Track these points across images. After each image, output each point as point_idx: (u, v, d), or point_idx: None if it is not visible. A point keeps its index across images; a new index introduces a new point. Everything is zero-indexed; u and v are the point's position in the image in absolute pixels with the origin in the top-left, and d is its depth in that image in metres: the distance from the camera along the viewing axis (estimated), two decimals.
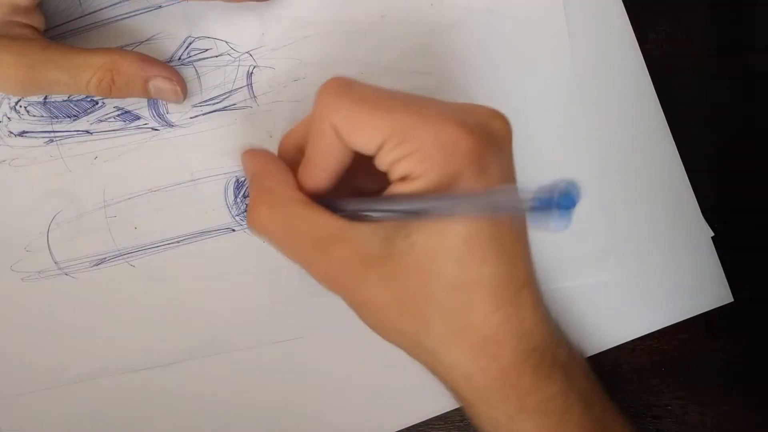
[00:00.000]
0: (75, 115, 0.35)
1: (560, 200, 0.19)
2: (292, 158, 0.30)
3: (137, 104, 0.35)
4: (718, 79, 0.37)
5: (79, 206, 0.35)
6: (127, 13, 0.34)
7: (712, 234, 0.36)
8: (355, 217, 0.27)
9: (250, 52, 0.35)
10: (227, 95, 0.35)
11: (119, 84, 0.31)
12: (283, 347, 0.35)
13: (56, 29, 0.34)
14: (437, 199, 0.24)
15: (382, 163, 0.26)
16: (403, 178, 0.25)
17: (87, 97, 0.35)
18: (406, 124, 0.25)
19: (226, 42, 0.35)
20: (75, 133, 0.35)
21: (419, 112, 0.25)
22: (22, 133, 0.34)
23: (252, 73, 0.35)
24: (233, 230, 0.35)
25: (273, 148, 0.34)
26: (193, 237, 0.35)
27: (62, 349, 0.35)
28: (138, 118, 0.35)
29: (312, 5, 0.35)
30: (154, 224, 0.35)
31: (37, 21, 0.31)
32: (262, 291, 0.35)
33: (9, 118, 0.34)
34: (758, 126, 0.37)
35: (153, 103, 0.35)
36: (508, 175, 0.27)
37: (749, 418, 0.36)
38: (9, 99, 0.34)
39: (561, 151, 0.36)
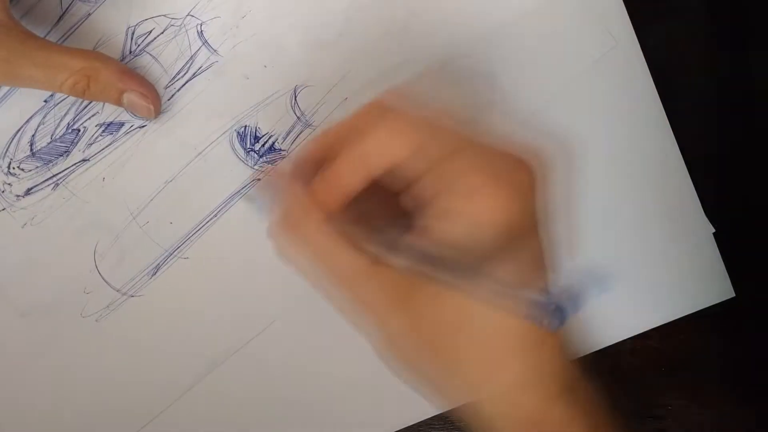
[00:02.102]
0: (65, 152, 0.35)
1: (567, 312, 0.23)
2: (307, 172, 0.28)
3: (116, 113, 0.35)
4: (718, 78, 0.37)
5: (112, 229, 0.35)
6: (65, 34, 0.34)
7: (714, 230, 0.36)
8: (374, 255, 0.26)
9: (191, 13, 0.35)
10: (190, 63, 0.35)
11: (94, 90, 0.31)
12: (283, 347, 0.35)
13: None
14: (463, 273, 0.24)
15: (425, 189, 0.26)
16: (447, 212, 0.25)
17: (68, 130, 0.35)
18: (461, 154, 0.25)
19: (164, 15, 0.35)
20: (73, 167, 0.35)
21: (470, 146, 0.25)
22: (27, 192, 0.35)
23: (201, 31, 0.35)
24: (259, 180, 0.35)
25: (249, 89, 0.34)
26: (226, 204, 0.35)
27: (167, 362, 0.35)
28: (122, 124, 0.35)
29: None
30: (186, 211, 0.35)
31: None
32: None
33: (9, 183, 0.34)
34: (758, 124, 0.37)
35: None
36: (533, 226, 0.26)
37: (749, 418, 0.36)
38: (1, 167, 0.34)
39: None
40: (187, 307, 0.35)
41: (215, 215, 0.35)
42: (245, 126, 0.35)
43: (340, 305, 0.27)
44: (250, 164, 0.35)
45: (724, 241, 0.36)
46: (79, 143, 0.35)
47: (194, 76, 0.35)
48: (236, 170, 0.35)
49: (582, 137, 0.35)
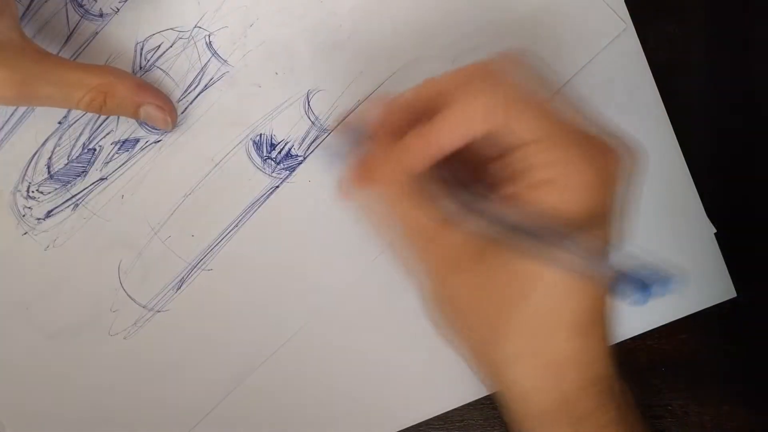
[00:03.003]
0: (83, 172, 0.35)
1: (654, 289, 0.23)
2: (398, 121, 0.28)
3: (130, 130, 0.35)
4: (718, 78, 0.37)
5: (134, 246, 0.35)
6: (74, 54, 0.34)
7: (715, 231, 0.36)
8: (449, 215, 0.27)
9: (198, 25, 0.35)
10: (201, 74, 0.35)
11: (111, 106, 0.31)
12: (284, 348, 0.35)
13: None
14: (542, 242, 0.25)
15: (522, 160, 0.26)
16: (543, 183, 0.25)
17: (84, 150, 0.35)
18: (562, 130, 0.25)
19: (172, 29, 0.35)
20: (91, 186, 0.35)
21: (570, 124, 0.26)
22: (48, 214, 0.35)
23: (210, 42, 0.35)
24: (277, 187, 0.35)
25: (262, 97, 0.34)
26: (246, 213, 0.35)
27: (196, 375, 0.35)
28: (137, 140, 0.35)
29: None
30: (207, 223, 0.35)
31: (13, 11, 0.30)
32: (331, 226, 0.35)
33: (29, 207, 0.34)
34: (758, 125, 0.37)
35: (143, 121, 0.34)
36: (610, 212, 0.27)
37: (749, 418, 0.36)
38: (20, 191, 0.34)
39: None
40: (213, 318, 0.35)
41: (236, 225, 0.35)
42: (260, 134, 0.35)
43: (402, 258, 0.28)
44: (267, 172, 0.35)
45: (725, 241, 0.36)
46: (95, 162, 0.34)
47: (206, 87, 0.35)
48: (255, 179, 0.35)
49: None
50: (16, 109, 0.34)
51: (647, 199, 0.35)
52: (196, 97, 0.35)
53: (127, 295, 0.35)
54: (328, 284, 0.35)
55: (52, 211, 0.35)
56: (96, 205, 0.35)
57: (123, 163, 0.35)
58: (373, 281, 0.35)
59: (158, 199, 0.35)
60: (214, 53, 0.35)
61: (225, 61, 0.35)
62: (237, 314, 0.35)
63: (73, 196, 0.35)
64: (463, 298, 0.26)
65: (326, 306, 0.35)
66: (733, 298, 0.36)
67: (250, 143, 0.35)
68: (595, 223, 0.26)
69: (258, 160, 0.35)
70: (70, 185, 0.34)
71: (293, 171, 0.35)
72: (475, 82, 0.26)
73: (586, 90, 0.35)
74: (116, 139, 0.34)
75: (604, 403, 0.27)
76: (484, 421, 0.36)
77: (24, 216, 0.34)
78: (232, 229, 0.35)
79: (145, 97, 0.32)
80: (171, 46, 0.35)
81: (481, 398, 0.35)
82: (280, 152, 0.35)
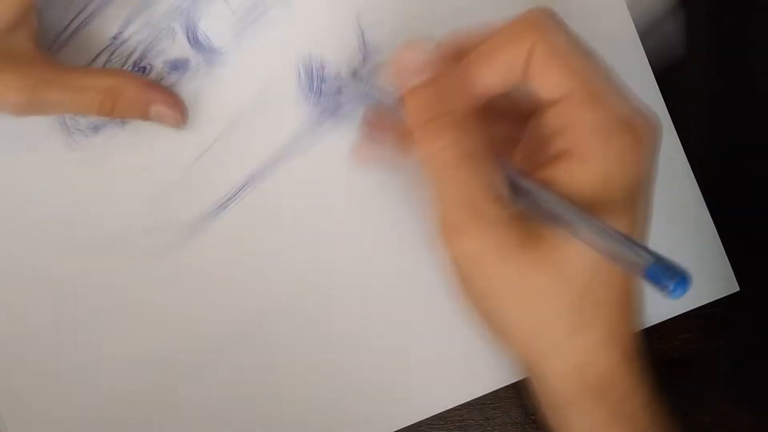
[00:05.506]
0: None
1: (675, 285, 0.21)
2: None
3: (180, 49, 0.35)
4: (718, 78, 0.37)
5: (179, 165, 0.35)
6: None
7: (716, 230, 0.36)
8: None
9: None
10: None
11: (121, 108, 0.32)
12: (282, 347, 0.35)
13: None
14: (588, 223, 0.24)
15: (556, 119, 0.25)
16: (565, 155, 0.25)
17: (135, 68, 0.35)
18: (598, 86, 0.25)
19: None
20: None
21: (609, 80, 0.25)
22: (95, 130, 0.35)
23: None
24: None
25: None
26: (287, 148, 0.35)
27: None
28: (188, 60, 0.35)
29: None
30: (251, 150, 0.35)
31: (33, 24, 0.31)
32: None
33: (77, 121, 0.34)
34: (758, 125, 0.37)
35: (194, 42, 0.34)
36: (650, 185, 0.27)
37: (749, 418, 0.36)
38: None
39: None
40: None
41: (280, 158, 0.35)
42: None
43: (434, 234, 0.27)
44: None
45: (727, 234, 0.36)
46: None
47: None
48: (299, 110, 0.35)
49: None
50: (69, 24, 0.34)
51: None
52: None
53: (167, 214, 0.35)
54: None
55: (99, 127, 0.35)
56: (141, 123, 0.34)
57: (173, 83, 0.35)
58: (373, 278, 0.35)
59: (204, 121, 0.35)
60: None
61: None
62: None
63: None
64: (500, 291, 0.26)
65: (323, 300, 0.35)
66: (733, 298, 0.35)
67: (301, 66, 0.35)
68: (633, 197, 0.26)
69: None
70: None
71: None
72: (510, 36, 0.26)
73: None
74: (168, 59, 0.34)
75: (642, 382, 0.27)
76: (484, 421, 0.35)
77: (72, 132, 0.34)
78: (275, 161, 0.35)
79: (155, 96, 0.32)
80: None
81: (481, 398, 0.35)
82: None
